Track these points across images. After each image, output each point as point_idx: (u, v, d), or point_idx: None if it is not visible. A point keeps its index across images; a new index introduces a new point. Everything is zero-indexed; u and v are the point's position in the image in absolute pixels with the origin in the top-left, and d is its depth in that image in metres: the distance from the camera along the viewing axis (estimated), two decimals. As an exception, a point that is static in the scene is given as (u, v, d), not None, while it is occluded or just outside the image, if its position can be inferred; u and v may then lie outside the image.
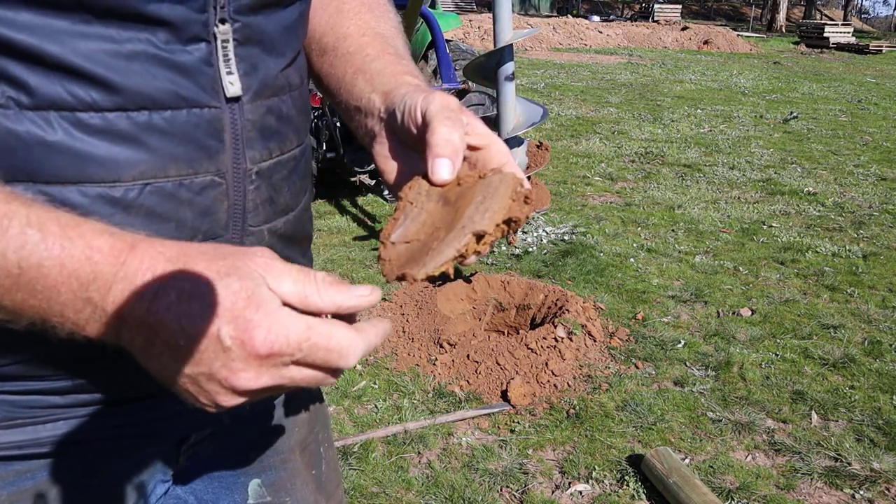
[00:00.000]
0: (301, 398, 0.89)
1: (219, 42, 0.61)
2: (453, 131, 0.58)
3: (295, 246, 0.76)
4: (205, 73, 0.60)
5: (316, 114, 4.41)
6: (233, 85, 0.62)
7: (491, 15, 2.90)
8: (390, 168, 0.67)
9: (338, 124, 4.43)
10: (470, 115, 0.62)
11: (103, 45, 0.55)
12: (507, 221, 0.54)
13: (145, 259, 0.50)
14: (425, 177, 0.59)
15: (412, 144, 0.64)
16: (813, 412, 2.67)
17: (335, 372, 0.53)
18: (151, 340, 0.49)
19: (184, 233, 0.62)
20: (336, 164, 4.62)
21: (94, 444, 0.67)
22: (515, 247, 4.13)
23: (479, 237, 0.53)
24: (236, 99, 0.63)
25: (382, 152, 0.68)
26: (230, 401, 0.51)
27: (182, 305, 0.48)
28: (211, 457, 0.81)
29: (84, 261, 0.49)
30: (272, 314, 0.49)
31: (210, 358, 0.49)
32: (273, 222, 0.70)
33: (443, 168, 0.58)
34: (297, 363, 0.50)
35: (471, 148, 0.62)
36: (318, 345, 0.50)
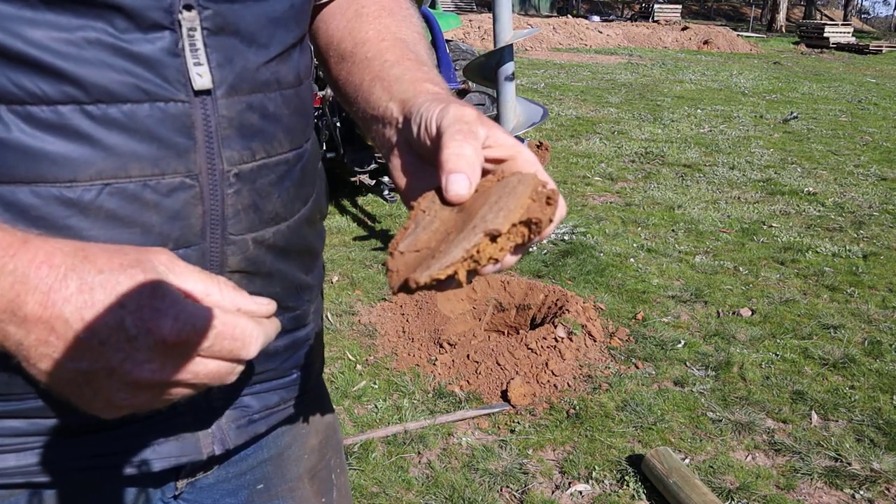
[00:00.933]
0: (313, 423, 0.86)
1: (184, 30, 0.56)
2: (465, 145, 0.53)
3: (291, 260, 0.70)
4: (169, 63, 0.56)
5: (316, 114, 4.40)
6: (201, 77, 0.57)
7: (491, 15, 2.89)
8: (407, 184, 0.61)
9: (338, 124, 4.43)
10: (491, 126, 0.56)
11: (52, 33, 0.51)
12: (527, 223, 0.50)
13: (39, 252, 0.47)
14: (439, 192, 0.54)
15: (428, 159, 0.58)
16: (813, 412, 2.67)
17: (238, 362, 0.52)
18: (44, 336, 0.46)
19: (150, 239, 0.57)
20: (336, 164, 4.62)
21: (69, 475, 0.64)
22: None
23: (493, 238, 0.48)
24: (207, 92, 0.58)
25: (399, 166, 0.62)
26: (128, 400, 0.49)
27: (83, 296, 0.46)
28: (213, 485, 0.78)
29: None
30: (179, 303, 0.48)
31: (112, 350, 0.46)
32: (259, 232, 0.65)
33: (457, 183, 0.52)
34: (202, 355, 0.49)
35: (495, 160, 0.56)
36: (224, 333, 0.49)
